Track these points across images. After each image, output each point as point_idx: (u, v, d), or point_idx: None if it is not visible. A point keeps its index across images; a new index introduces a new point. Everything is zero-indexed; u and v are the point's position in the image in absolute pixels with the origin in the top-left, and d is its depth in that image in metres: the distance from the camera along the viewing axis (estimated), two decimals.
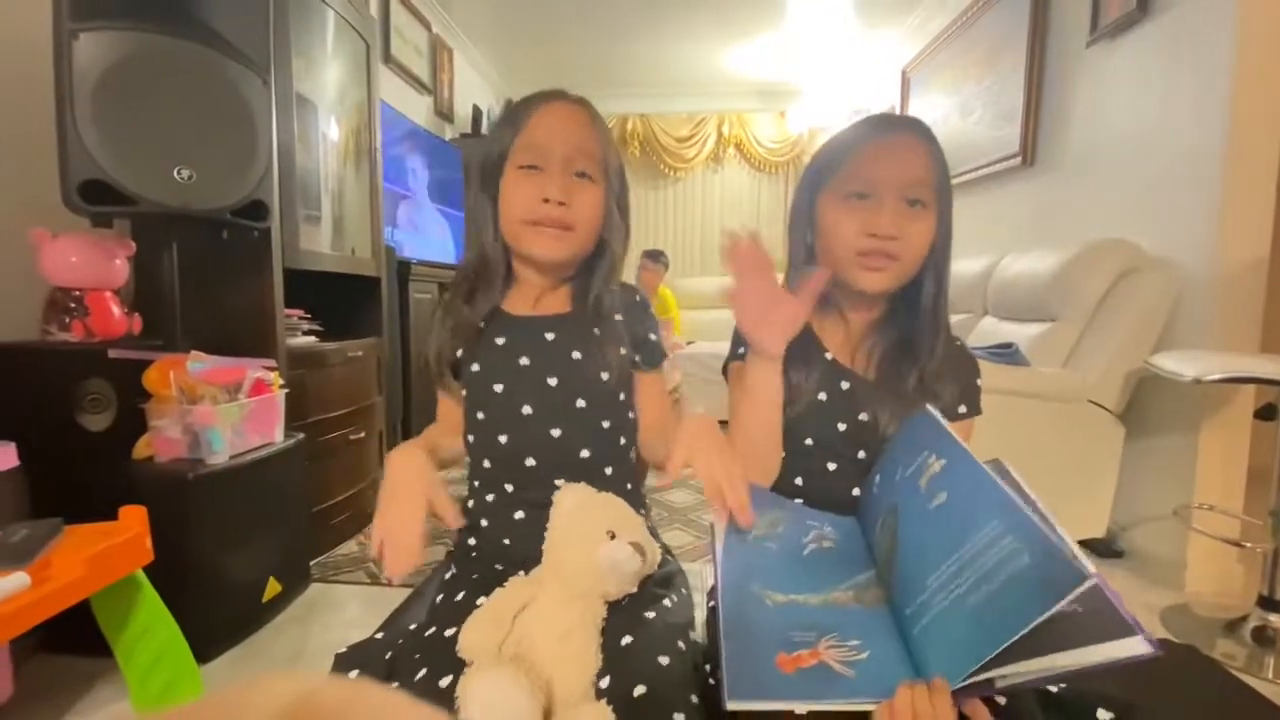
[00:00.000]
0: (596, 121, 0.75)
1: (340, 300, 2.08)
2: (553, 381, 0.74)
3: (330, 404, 1.85)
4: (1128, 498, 1.81)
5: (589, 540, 0.64)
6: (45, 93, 1.16)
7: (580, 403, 0.74)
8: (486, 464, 0.77)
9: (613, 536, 0.64)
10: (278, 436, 1.47)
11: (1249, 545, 1.46)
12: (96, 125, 1.13)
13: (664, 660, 0.59)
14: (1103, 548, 1.85)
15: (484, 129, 3.90)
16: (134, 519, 0.89)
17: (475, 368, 0.75)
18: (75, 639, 1.02)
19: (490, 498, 0.76)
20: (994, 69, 2.75)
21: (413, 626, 0.68)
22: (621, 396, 0.77)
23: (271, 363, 1.47)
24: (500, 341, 0.75)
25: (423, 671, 0.59)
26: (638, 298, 0.82)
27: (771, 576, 0.58)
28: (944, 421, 0.61)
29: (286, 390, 1.49)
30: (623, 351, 0.76)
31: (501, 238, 0.75)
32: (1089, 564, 0.42)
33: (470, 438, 0.78)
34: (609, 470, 0.77)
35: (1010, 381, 1.68)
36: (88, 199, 1.15)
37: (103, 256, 1.33)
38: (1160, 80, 1.85)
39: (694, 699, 0.58)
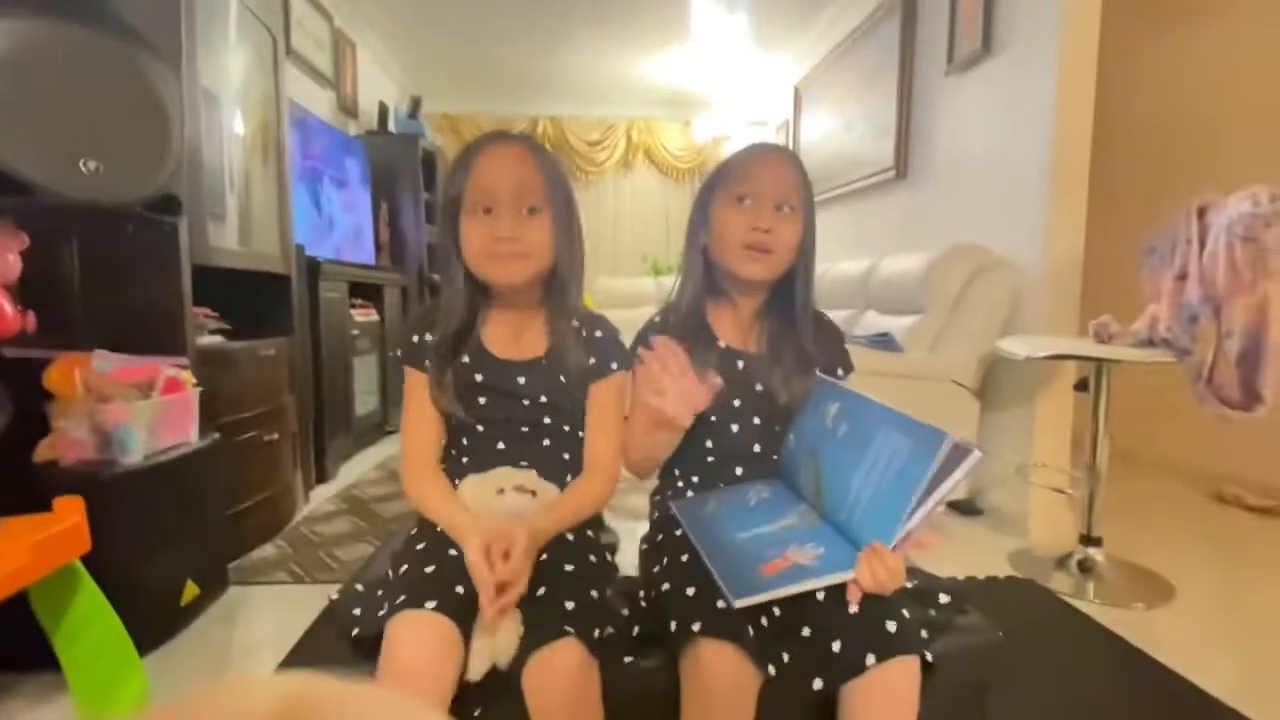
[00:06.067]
0: (539, 155, 0.83)
1: (248, 299, 2.01)
2: (525, 402, 0.85)
3: (242, 405, 1.80)
4: (984, 464, 2.10)
5: (489, 506, 0.77)
6: None
7: (546, 419, 0.86)
8: (465, 441, 0.86)
9: (501, 492, 0.78)
10: (193, 436, 1.44)
11: (1070, 493, 1.78)
12: None
13: (570, 605, 0.69)
14: (966, 507, 2.16)
15: (391, 126, 3.82)
16: (71, 509, 0.88)
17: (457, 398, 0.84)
18: None
19: (458, 468, 0.86)
20: (873, 90, 3.08)
21: (388, 573, 0.77)
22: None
23: (183, 361, 1.44)
24: (479, 379, 0.84)
25: (402, 598, 0.67)
26: (598, 332, 0.88)
27: (733, 525, 0.76)
28: (832, 380, 0.84)
29: (200, 389, 1.46)
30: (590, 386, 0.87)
31: (470, 277, 0.84)
32: (943, 430, 0.61)
33: (450, 423, 0.87)
34: (566, 456, 0.87)
35: (886, 365, 1.94)
36: None
37: None
38: (1000, 107, 2.19)
39: (594, 594, 0.71)
